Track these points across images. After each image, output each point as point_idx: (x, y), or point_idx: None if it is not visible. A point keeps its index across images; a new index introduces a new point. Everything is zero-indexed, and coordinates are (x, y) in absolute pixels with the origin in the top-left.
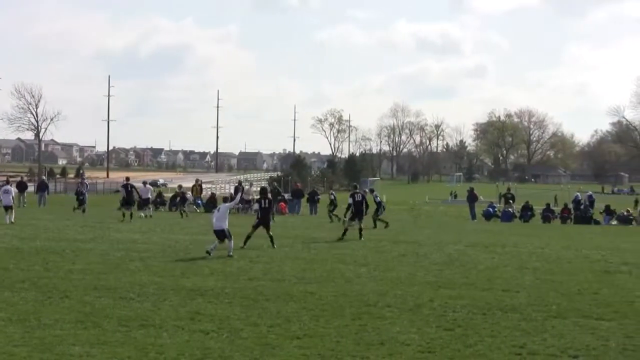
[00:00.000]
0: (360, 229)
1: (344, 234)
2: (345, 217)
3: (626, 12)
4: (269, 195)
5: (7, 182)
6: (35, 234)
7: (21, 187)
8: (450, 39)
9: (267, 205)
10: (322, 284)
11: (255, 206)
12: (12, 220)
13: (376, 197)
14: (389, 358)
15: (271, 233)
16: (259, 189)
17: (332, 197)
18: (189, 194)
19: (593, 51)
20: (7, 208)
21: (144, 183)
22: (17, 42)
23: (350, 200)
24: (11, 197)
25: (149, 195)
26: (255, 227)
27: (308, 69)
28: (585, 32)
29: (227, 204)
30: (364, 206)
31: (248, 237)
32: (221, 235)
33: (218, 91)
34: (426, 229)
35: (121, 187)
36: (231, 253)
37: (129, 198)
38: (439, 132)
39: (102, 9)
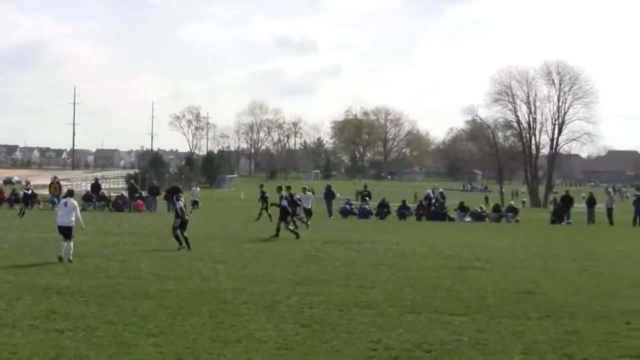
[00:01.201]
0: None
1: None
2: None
3: (481, 11)
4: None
5: None
6: None
7: None
8: (308, 37)
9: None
10: (179, 281)
11: (179, 204)
12: None
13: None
14: (246, 355)
15: (186, 234)
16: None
17: (264, 194)
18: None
19: (449, 50)
20: None
21: None
22: None
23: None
24: None
25: None
26: (179, 227)
27: (167, 65)
28: (441, 31)
29: (75, 203)
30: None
31: (177, 238)
32: (67, 232)
33: (74, 87)
34: None
35: None
36: (70, 257)
37: None
38: (297, 130)
39: None
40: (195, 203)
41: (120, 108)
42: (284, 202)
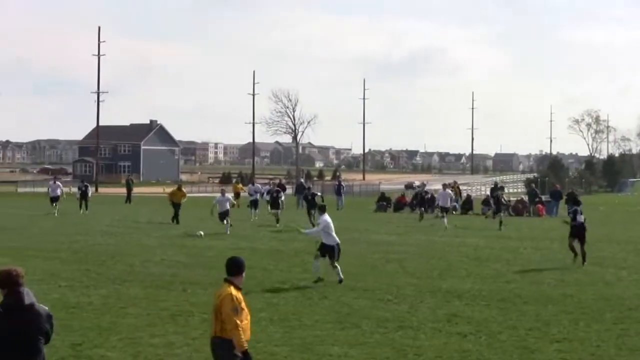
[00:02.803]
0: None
1: None
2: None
3: None
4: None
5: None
6: (293, 236)
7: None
8: None
9: None
10: (580, 286)
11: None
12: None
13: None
14: None
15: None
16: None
17: None
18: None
19: None
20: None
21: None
22: (273, 47)
23: None
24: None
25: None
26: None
27: (563, 68)
28: None
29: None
30: None
31: (572, 248)
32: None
33: (472, 92)
34: None
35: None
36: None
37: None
38: None
39: (357, 13)
40: None
41: (518, 112)
42: None
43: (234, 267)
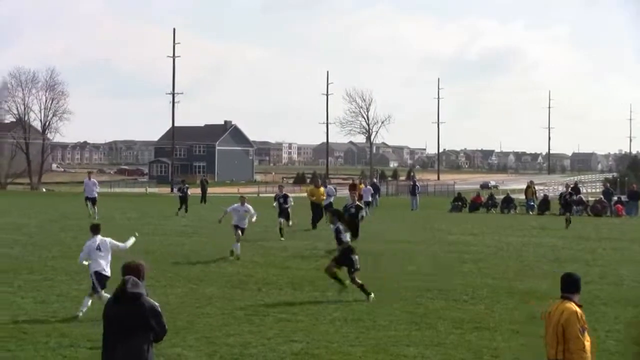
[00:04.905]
0: None
1: None
2: None
3: None
4: None
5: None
6: (367, 237)
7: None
8: None
9: None
10: None
11: None
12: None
13: None
14: None
15: None
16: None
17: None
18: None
19: None
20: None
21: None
22: (346, 48)
23: None
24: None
25: None
26: None
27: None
28: None
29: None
30: None
31: None
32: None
33: (549, 92)
34: None
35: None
36: None
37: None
38: None
39: (429, 13)
40: None
41: (596, 111)
42: None
43: (574, 284)
